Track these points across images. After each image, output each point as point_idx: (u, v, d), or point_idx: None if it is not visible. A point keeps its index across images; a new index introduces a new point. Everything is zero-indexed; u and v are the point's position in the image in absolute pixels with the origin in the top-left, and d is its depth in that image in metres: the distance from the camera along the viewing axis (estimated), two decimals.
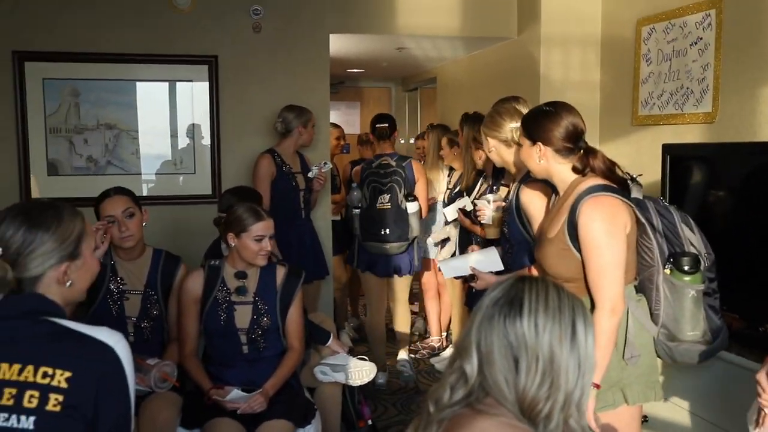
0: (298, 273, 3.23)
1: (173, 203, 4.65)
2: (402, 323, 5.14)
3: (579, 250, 2.30)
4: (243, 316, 3.09)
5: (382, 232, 4.62)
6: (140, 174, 4.63)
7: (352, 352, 3.64)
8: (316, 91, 4.82)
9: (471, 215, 4.14)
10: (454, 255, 4.58)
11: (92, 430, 1.51)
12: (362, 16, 4.91)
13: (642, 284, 2.44)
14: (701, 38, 3.67)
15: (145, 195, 4.59)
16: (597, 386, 2.25)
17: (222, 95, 4.68)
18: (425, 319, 6.07)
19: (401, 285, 4.97)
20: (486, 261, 2.95)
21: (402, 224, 4.60)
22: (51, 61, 4.42)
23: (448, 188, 5.07)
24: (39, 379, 1.51)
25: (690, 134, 3.74)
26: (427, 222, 5.07)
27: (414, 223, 4.62)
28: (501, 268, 2.95)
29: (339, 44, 5.39)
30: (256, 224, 3.04)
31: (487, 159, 4.04)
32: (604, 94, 4.66)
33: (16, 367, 1.52)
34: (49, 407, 1.49)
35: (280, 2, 4.72)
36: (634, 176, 2.44)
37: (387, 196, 4.62)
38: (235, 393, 2.96)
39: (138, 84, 4.62)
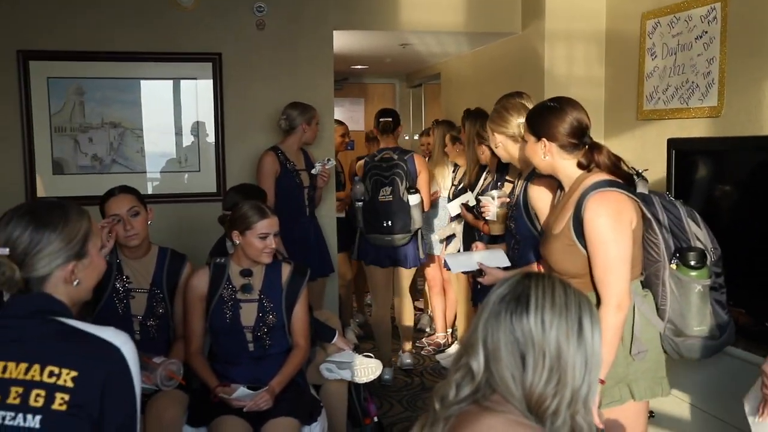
0: (303, 271, 3.23)
1: (178, 201, 4.65)
2: (406, 317, 5.19)
3: (585, 245, 2.30)
4: (248, 314, 3.09)
5: (385, 224, 4.70)
6: (145, 172, 4.64)
7: (357, 350, 3.65)
8: (320, 88, 4.81)
9: (474, 210, 4.14)
10: (459, 252, 4.57)
11: (98, 429, 1.52)
12: (366, 13, 4.90)
13: (648, 279, 2.44)
14: (706, 32, 3.65)
15: (150, 193, 4.60)
16: (602, 382, 2.25)
17: (226, 93, 4.68)
18: (431, 315, 6.08)
19: (405, 277, 5.02)
20: (492, 258, 2.94)
21: (404, 216, 4.68)
22: (55, 60, 4.43)
23: (453, 184, 5.06)
24: (45, 378, 1.52)
25: (695, 128, 3.73)
26: (429, 216, 5.09)
27: (416, 215, 4.69)
28: (508, 264, 2.94)
29: (343, 41, 5.38)
30: (260, 222, 3.04)
31: (492, 154, 4.05)
32: (609, 89, 4.64)
33: (23, 366, 1.52)
34: (55, 406, 1.50)
35: None
36: (640, 171, 2.44)
37: (389, 189, 4.70)
38: (241, 391, 2.96)
39: (142, 82, 4.62)
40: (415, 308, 5.91)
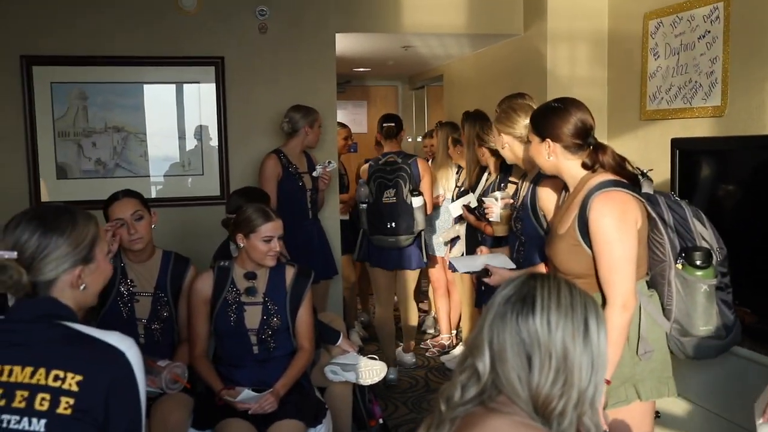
0: (307, 273, 3.23)
1: (182, 205, 4.65)
2: (410, 318, 5.25)
3: (590, 246, 2.30)
4: (253, 317, 3.09)
5: (388, 226, 4.76)
6: (149, 176, 4.64)
7: (362, 352, 3.65)
8: (322, 91, 4.82)
9: (475, 212, 4.14)
10: (462, 255, 4.58)
11: None
12: (367, 16, 4.90)
13: (654, 279, 2.43)
14: (709, 31, 3.64)
15: (153, 197, 4.60)
16: (608, 382, 2.24)
17: (229, 96, 4.69)
18: (435, 317, 6.08)
19: (409, 279, 5.07)
20: (496, 261, 2.94)
21: (407, 218, 4.75)
22: (58, 64, 4.43)
23: (456, 186, 5.07)
24: (50, 382, 1.52)
25: (699, 128, 3.72)
26: (431, 217, 5.12)
27: (419, 217, 4.76)
28: (513, 266, 2.94)
29: (345, 43, 5.39)
30: (265, 225, 3.04)
31: (492, 155, 4.07)
32: (612, 90, 4.63)
33: (29, 369, 1.53)
34: (60, 410, 1.50)
35: (285, 3, 4.72)
36: (645, 171, 2.43)
37: (392, 191, 4.77)
38: (246, 393, 2.96)
39: (145, 86, 4.63)
40: (420, 310, 5.91)
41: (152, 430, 2.81)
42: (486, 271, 2.85)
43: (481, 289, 3.72)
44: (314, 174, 4.50)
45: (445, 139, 5.28)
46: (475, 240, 4.26)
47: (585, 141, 2.38)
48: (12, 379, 1.52)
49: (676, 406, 2.90)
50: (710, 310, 2.38)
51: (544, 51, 4.72)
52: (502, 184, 3.67)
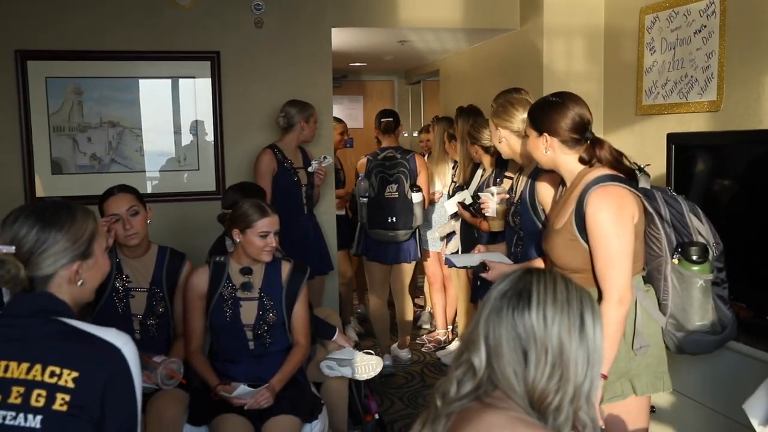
0: (303, 268, 3.23)
1: (177, 200, 4.65)
2: (407, 312, 5.28)
3: (586, 240, 2.30)
4: (249, 312, 3.09)
5: (389, 220, 4.82)
6: (144, 171, 4.63)
7: (358, 347, 3.65)
8: (318, 86, 4.81)
9: (470, 208, 4.14)
10: (458, 252, 4.59)
11: (99, 430, 1.52)
12: (364, 10, 4.89)
13: (650, 274, 2.44)
14: (705, 26, 3.64)
15: (149, 192, 4.59)
16: (604, 377, 2.25)
17: (225, 91, 4.67)
18: (431, 312, 6.08)
19: (405, 272, 5.13)
20: (493, 258, 2.93)
21: (408, 213, 4.83)
22: (53, 59, 4.42)
23: (453, 181, 5.07)
24: (46, 378, 1.51)
25: (695, 123, 3.72)
26: (427, 212, 5.14)
27: (418, 212, 4.85)
28: (510, 262, 2.94)
29: (341, 38, 5.38)
30: (261, 220, 3.04)
31: (485, 153, 4.08)
32: (608, 84, 4.63)
33: (25, 365, 1.52)
34: (56, 407, 1.50)
35: None
36: (642, 166, 2.43)
37: (395, 186, 4.85)
38: (242, 389, 2.96)
39: (141, 81, 4.61)
40: (416, 305, 5.92)
41: (148, 426, 2.81)
42: (483, 267, 2.84)
43: (477, 284, 3.72)
44: (310, 169, 4.49)
45: (442, 135, 5.28)
46: (470, 236, 4.26)
47: (582, 136, 2.38)
48: (8, 375, 1.52)
49: (672, 400, 2.91)
50: (706, 306, 2.39)
51: (540, 46, 4.71)
52: (498, 179, 3.67)
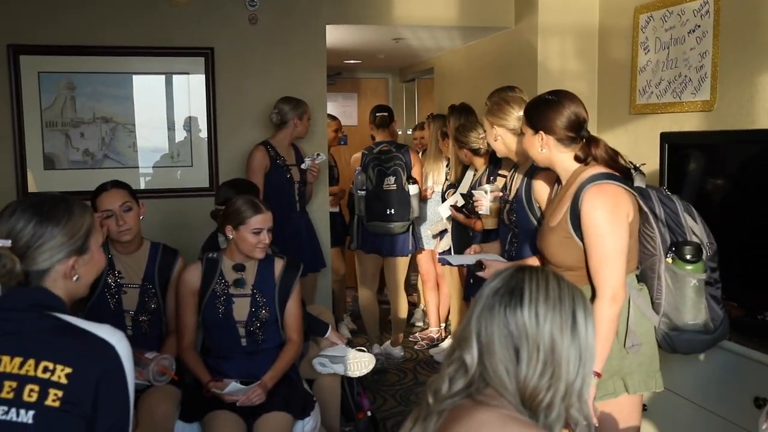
0: (296, 265, 3.23)
1: (171, 196, 4.63)
2: (401, 309, 5.29)
3: (581, 238, 2.30)
4: (241, 309, 3.09)
5: (387, 212, 4.91)
6: (137, 167, 4.61)
7: (350, 344, 3.65)
8: (312, 83, 4.80)
9: (463, 210, 4.15)
10: (450, 250, 4.60)
11: (91, 426, 1.51)
12: (358, 7, 4.88)
13: (644, 273, 2.44)
14: (699, 26, 3.65)
15: (142, 188, 4.58)
16: (598, 375, 2.25)
17: (218, 87, 4.66)
18: (424, 310, 6.08)
19: (400, 266, 5.19)
20: (488, 257, 2.94)
21: (405, 205, 4.91)
22: (46, 54, 4.40)
23: (446, 179, 5.08)
24: (39, 374, 1.51)
25: (688, 122, 3.73)
26: (422, 207, 5.17)
27: (414, 205, 4.93)
28: (504, 261, 2.94)
29: (335, 35, 5.36)
30: (254, 217, 3.03)
31: (473, 155, 4.09)
32: (602, 83, 4.64)
33: (18, 360, 1.52)
34: (48, 402, 1.49)
35: None
36: (637, 165, 2.44)
37: (392, 179, 4.94)
38: (234, 385, 2.95)
39: (134, 77, 4.59)
40: (409, 303, 5.92)
41: (140, 423, 2.80)
42: (480, 265, 2.85)
43: (470, 282, 3.73)
44: (303, 167, 4.49)
45: (437, 132, 5.28)
46: (464, 237, 4.26)
47: (578, 134, 2.38)
48: (0, 369, 1.51)
49: (664, 399, 2.92)
50: (699, 305, 2.39)
51: (534, 44, 4.72)
52: (492, 177, 3.67)
